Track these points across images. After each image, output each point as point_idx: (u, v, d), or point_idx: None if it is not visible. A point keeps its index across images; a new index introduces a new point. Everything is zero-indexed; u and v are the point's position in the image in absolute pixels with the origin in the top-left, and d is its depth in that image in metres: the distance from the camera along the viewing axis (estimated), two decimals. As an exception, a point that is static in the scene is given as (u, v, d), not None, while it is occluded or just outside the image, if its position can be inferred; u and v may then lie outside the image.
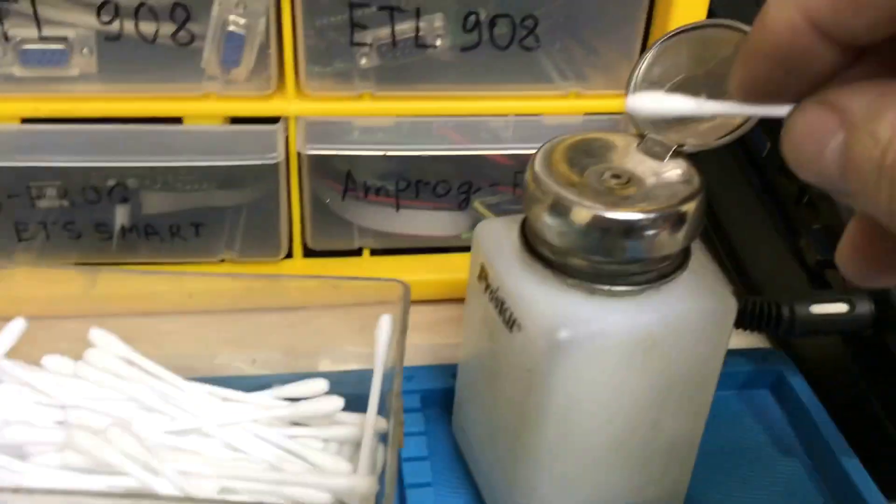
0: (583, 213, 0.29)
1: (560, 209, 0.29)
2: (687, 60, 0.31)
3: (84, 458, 0.32)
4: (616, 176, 0.30)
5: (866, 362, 0.42)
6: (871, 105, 0.20)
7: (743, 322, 0.42)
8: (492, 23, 0.43)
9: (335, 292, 0.39)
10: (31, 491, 0.27)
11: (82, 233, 0.46)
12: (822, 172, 0.21)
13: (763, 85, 0.22)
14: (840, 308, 0.41)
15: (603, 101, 0.46)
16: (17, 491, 0.27)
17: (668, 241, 0.29)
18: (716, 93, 0.27)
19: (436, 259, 0.50)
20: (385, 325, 0.37)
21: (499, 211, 0.49)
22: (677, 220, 0.29)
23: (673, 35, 0.31)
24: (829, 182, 0.21)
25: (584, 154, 0.31)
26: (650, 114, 0.30)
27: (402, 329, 0.35)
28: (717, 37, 0.31)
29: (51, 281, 0.39)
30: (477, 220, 0.50)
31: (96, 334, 0.37)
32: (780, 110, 0.22)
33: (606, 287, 0.30)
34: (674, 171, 0.30)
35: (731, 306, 0.32)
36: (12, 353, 0.38)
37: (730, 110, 0.23)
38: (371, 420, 0.36)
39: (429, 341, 0.46)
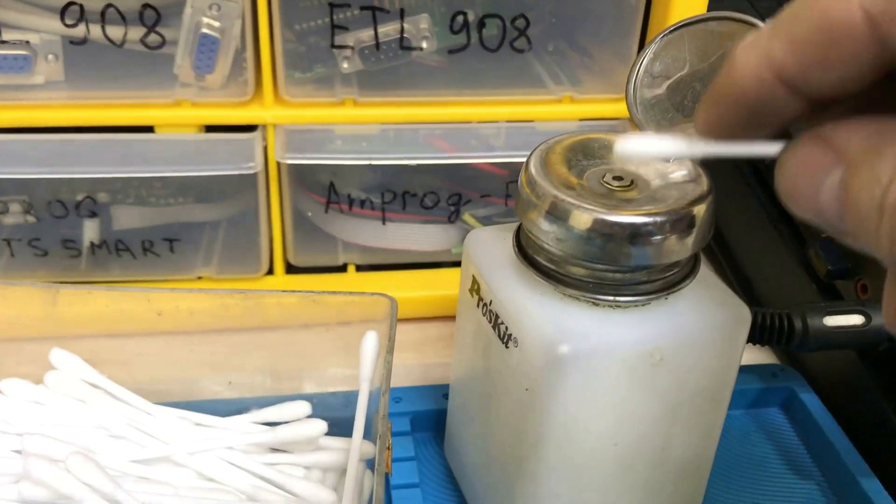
0: (583, 217, 0.26)
1: (558, 213, 0.27)
2: (689, 55, 0.29)
3: (43, 491, 0.30)
4: (618, 178, 0.28)
5: (884, 377, 0.40)
6: (869, 142, 0.19)
7: (752, 336, 0.39)
8: (481, 24, 0.41)
9: (317, 309, 0.36)
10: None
11: (49, 250, 0.44)
12: (818, 211, 0.20)
13: (729, 126, 0.21)
14: (855, 320, 0.39)
15: (598, 106, 0.44)
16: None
17: (677, 247, 0.27)
18: None
19: (424, 275, 0.48)
20: (370, 342, 0.35)
21: (490, 224, 0.47)
22: (686, 223, 0.27)
23: (675, 28, 0.29)
24: (827, 221, 0.20)
25: (583, 155, 0.29)
26: (639, 157, 0.28)
27: (388, 347, 0.32)
28: (721, 30, 0.29)
29: (10, 299, 0.36)
30: (467, 233, 0.47)
31: (58, 355, 0.35)
32: (771, 148, 0.21)
33: (610, 298, 0.28)
34: (679, 172, 0.28)
35: (744, 317, 0.30)
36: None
37: (719, 150, 0.22)
38: (357, 444, 0.33)
39: (418, 361, 0.44)
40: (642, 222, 0.26)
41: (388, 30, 0.40)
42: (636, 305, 0.28)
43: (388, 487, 0.35)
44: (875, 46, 0.19)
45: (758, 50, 0.20)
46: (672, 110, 0.29)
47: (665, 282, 0.28)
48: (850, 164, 0.19)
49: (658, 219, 0.26)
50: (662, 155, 0.26)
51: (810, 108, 0.21)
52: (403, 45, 0.41)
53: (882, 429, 0.39)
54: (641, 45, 0.44)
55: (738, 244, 0.52)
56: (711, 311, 0.29)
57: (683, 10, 0.41)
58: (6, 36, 0.38)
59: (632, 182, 0.28)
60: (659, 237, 0.27)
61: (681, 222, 0.27)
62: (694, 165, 0.28)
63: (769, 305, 0.47)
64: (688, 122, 0.29)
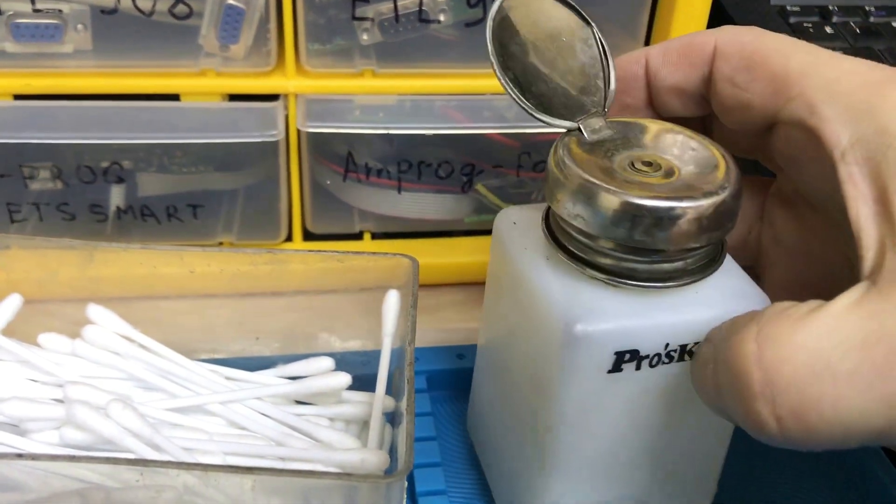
0: (611, 200, 0.26)
1: (585, 196, 0.27)
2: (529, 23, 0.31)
3: (84, 435, 0.31)
4: (647, 163, 0.28)
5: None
6: (723, 330, 0.26)
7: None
8: (497, -4, 0.42)
9: (340, 270, 0.38)
10: (35, 457, 0.26)
11: (76, 214, 0.45)
12: (708, 395, 0.26)
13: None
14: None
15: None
16: (20, 457, 0.25)
17: (703, 233, 0.27)
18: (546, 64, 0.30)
19: (438, 243, 0.49)
20: (393, 299, 0.36)
21: (502, 194, 0.48)
22: (713, 210, 0.27)
23: None
24: (714, 405, 0.26)
25: (611, 139, 0.29)
26: None
27: (412, 302, 0.33)
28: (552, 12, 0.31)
29: (48, 258, 0.37)
30: (480, 203, 0.49)
31: (94, 310, 0.36)
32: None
33: (632, 283, 0.28)
34: (708, 159, 0.28)
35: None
36: (7, 334, 0.36)
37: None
38: (380, 396, 0.34)
39: (432, 325, 0.45)
40: (669, 207, 0.26)
41: (407, 3, 0.42)
42: (657, 292, 0.28)
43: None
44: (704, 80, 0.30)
45: (643, 50, 0.31)
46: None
47: (688, 269, 0.28)
48: (714, 351, 0.25)
49: (685, 204, 0.26)
50: None
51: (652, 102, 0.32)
52: (422, 17, 0.42)
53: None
54: (651, 22, 0.46)
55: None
56: (734, 301, 0.28)
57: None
58: (39, 5, 0.40)
59: (661, 167, 0.28)
60: (685, 223, 0.26)
61: (708, 209, 0.26)
62: (718, 153, 0.28)
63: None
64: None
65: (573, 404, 0.29)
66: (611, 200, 0.26)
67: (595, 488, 0.31)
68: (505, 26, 0.30)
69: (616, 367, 0.28)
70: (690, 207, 0.26)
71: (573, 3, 0.31)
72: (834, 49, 0.28)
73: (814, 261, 0.31)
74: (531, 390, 0.30)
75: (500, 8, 0.30)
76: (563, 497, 0.31)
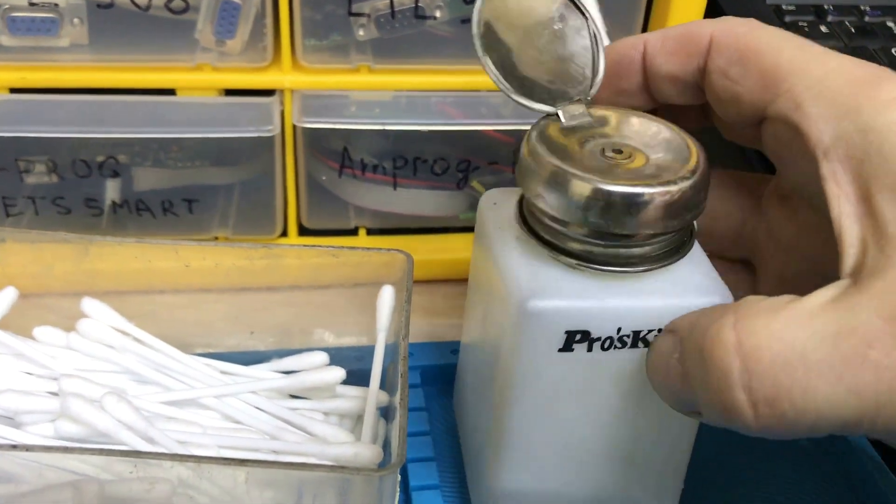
0: (575, 184, 0.27)
1: (547, 179, 0.27)
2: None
3: (78, 428, 0.31)
4: (617, 150, 0.28)
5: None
6: (691, 319, 0.26)
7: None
8: (493, -6, 0.42)
9: (335, 265, 0.38)
10: (29, 448, 0.26)
11: (72, 208, 0.45)
12: (672, 389, 0.26)
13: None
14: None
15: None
16: (14, 448, 0.25)
17: (661, 221, 0.27)
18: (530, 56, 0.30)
19: (433, 239, 0.50)
20: (387, 294, 0.36)
21: (497, 191, 0.48)
22: (672, 198, 0.27)
23: None
24: (676, 396, 0.26)
25: (584, 127, 0.30)
26: None
27: (406, 297, 0.34)
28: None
29: (43, 251, 0.37)
30: (475, 199, 0.49)
31: (89, 304, 0.36)
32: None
33: (591, 266, 0.28)
34: (680, 150, 0.29)
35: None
36: (2, 327, 0.36)
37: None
38: (374, 390, 0.35)
39: (426, 321, 0.46)
40: (623, 192, 0.26)
41: (403, -1, 0.42)
42: (617, 275, 0.28)
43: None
44: (699, 70, 0.30)
45: (642, 36, 0.31)
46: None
47: (647, 256, 0.29)
48: (682, 342, 0.26)
49: (650, 189, 0.26)
50: None
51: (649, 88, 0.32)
52: (418, 13, 0.42)
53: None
54: (646, 25, 0.46)
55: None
56: (691, 295, 0.29)
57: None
58: (35, -1, 0.40)
59: (630, 156, 0.28)
60: (642, 209, 0.27)
61: (666, 197, 0.27)
62: (691, 143, 0.29)
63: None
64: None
65: (525, 380, 0.29)
66: (575, 185, 0.27)
67: (549, 470, 0.32)
68: (496, 9, 0.30)
69: (567, 347, 0.28)
70: (647, 193, 0.27)
71: None
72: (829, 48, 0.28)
73: (807, 256, 0.31)
74: (492, 366, 0.31)
75: None
76: (519, 477, 0.32)
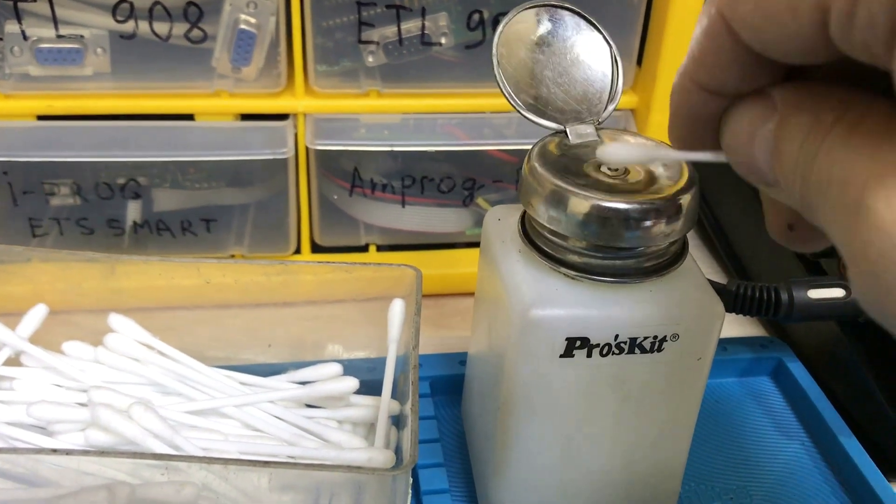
0: (573, 201, 0.29)
1: (547, 196, 0.29)
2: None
3: (108, 436, 0.33)
4: (614, 168, 0.30)
5: (862, 346, 0.43)
6: (800, 95, 0.21)
7: (742, 307, 0.43)
8: (495, 21, 0.44)
9: (348, 281, 0.40)
10: (68, 452, 0.28)
11: (95, 228, 0.47)
12: (752, 159, 0.22)
13: (685, 135, 0.25)
14: (836, 293, 0.42)
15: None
16: (55, 451, 0.27)
17: (659, 234, 0.29)
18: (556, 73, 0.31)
19: (440, 255, 0.52)
20: (398, 307, 0.38)
21: (501, 207, 0.50)
22: (672, 211, 0.29)
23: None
24: (759, 172, 0.22)
25: (582, 147, 0.31)
26: (619, 163, 0.30)
27: (416, 309, 0.36)
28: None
29: (70, 271, 0.39)
30: (480, 216, 0.51)
31: (115, 319, 0.38)
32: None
33: (588, 277, 0.30)
34: (675, 167, 0.30)
35: (717, 313, 0.31)
36: (33, 342, 0.38)
37: (689, 157, 0.25)
38: (386, 399, 0.36)
39: (435, 333, 0.47)
40: (624, 209, 0.28)
41: (410, 26, 0.44)
42: (612, 286, 0.30)
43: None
44: (731, 40, 0.22)
45: (679, 69, 0.24)
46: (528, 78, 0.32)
47: (641, 269, 0.30)
48: (781, 115, 0.21)
49: (643, 206, 0.28)
50: (639, 162, 0.30)
51: (728, 102, 0.23)
52: (424, 40, 0.44)
53: (861, 393, 0.43)
54: (643, 43, 0.48)
55: (731, 225, 0.55)
56: (685, 306, 0.30)
57: (683, 6, 0.45)
58: (62, 31, 0.42)
59: (626, 172, 0.30)
60: (643, 223, 0.28)
61: (666, 211, 0.28)
62: (686, 166, 0.30)
63: (757, 279, 0.51)
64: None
65: (528, 386, 0.31)
66: (573, 201, 0.29)
67: (552, 473, 0.34)
68: (519, 31, 0.32)
69: (568, 353, 0.30)
70: (642, 209, 0.28)
71: (596, 24, 0.33)
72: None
73: None
74: (497, 373, 0.33)
75: (521, 15, 0.32)
76: (523, 480, 0.34)
